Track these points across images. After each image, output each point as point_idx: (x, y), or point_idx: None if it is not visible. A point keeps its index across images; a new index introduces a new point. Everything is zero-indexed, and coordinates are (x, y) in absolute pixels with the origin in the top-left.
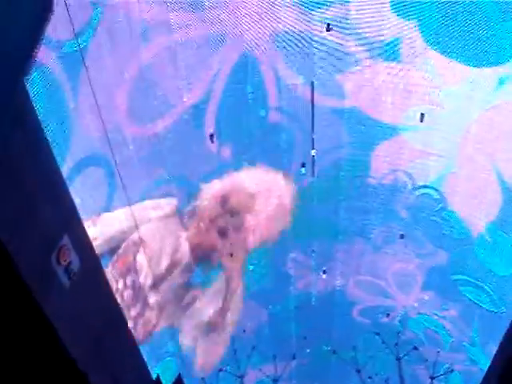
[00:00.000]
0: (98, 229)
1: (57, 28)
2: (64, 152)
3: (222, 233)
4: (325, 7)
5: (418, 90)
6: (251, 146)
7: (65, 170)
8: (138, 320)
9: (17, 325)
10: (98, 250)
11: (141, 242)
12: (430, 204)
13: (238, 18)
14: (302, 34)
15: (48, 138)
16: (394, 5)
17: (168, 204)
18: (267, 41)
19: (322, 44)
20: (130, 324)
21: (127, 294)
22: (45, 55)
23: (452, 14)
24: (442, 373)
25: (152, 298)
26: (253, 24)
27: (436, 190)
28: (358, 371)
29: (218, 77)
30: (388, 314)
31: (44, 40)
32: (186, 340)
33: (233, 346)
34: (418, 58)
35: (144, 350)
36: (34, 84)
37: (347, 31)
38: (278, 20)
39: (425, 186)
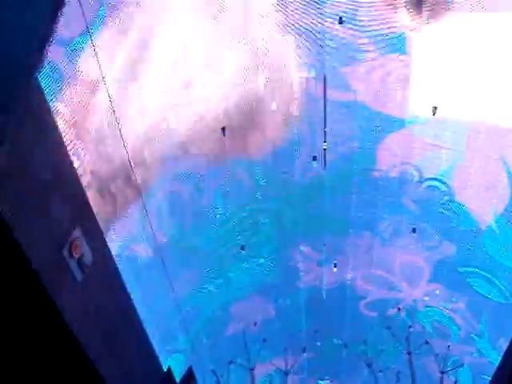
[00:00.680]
0: None
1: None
2: None
3: None
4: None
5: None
6: None
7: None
8: None
9: (30, 319)
10: None
11: None
12: (438, 196)
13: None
14: (315, 27)
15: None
16: None
17: None
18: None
19: (334, 37)
20: None
21: None
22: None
23: None
24: (451, 367)
25: None
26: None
27: (443, 182)
28: (369, 365)
29: None
30: (399, 308)
31: (55, 36)
32: None
33: (243, 339)
34: None
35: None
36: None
37: (360, 24)
38: (289, 13)
39: (432, 179)
